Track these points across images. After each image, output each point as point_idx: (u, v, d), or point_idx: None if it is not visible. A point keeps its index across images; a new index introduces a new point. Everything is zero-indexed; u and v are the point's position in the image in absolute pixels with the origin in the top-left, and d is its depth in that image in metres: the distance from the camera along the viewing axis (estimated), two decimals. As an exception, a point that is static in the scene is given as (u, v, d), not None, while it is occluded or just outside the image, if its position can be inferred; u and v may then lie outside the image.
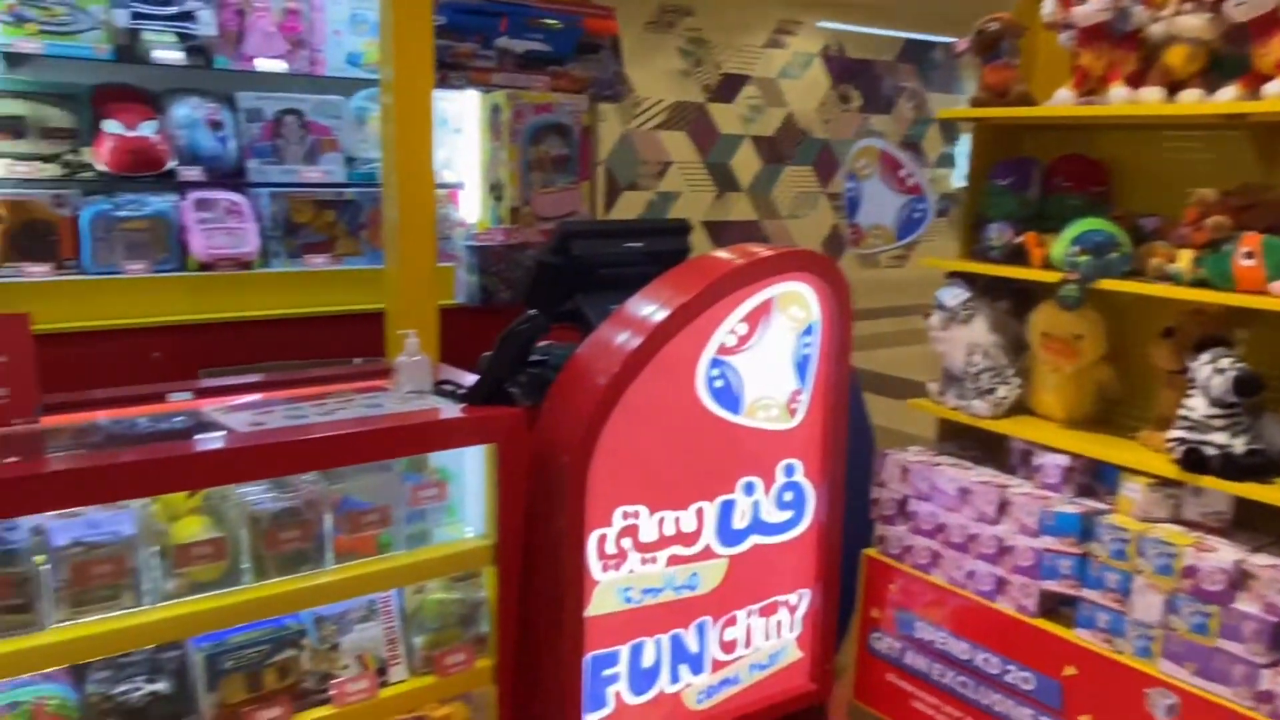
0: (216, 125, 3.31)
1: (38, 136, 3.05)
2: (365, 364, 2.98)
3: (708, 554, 2.23)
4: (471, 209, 3.75)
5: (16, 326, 1.87)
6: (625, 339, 1.97)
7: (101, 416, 1.94)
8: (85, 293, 3.00)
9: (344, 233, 3.53)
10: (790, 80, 10.07)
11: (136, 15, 3.14)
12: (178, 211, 3.20)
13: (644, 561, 2.12)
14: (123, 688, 1.67)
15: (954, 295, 2.66)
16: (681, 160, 9.51)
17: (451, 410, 1.98)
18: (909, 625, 2.64)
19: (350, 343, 3.29)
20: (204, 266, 3.20)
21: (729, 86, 9.70)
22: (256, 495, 1.80)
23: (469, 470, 2.08)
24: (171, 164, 3.17)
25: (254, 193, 3.39)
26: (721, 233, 9.63)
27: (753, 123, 10.05)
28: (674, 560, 2.18)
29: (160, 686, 1.69)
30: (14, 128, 3.02)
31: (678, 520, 2.16)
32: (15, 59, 3.08)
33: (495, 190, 3.60)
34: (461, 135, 3.71)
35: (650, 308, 2.02)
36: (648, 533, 2.11)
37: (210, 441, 1.73)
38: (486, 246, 3.52)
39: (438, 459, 2.06)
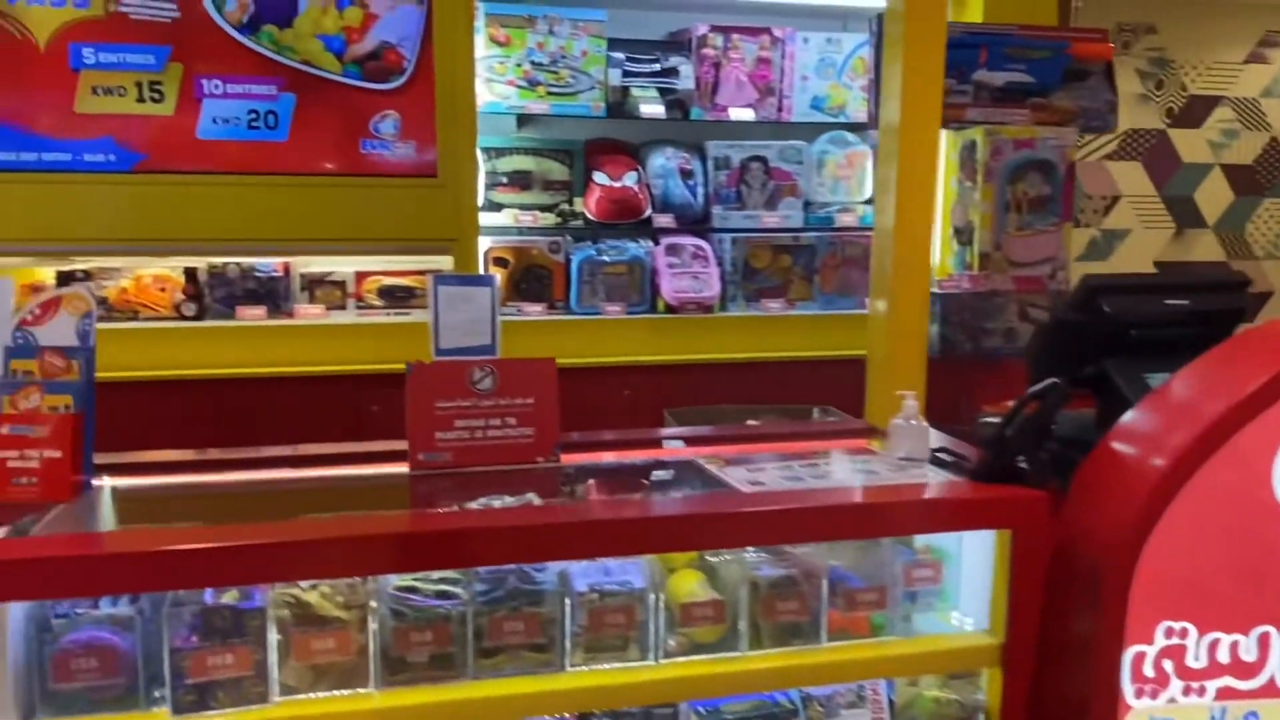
0: (687, 174, 3.43)
1: (540, 189, 3.37)
2: (832, 418, 2.88)
3: (1271, 691, 1.78)
4: (931, 254, 3.52)
5: (543, 370, 1.99)
6: (1185, 420, 1.63)
7: (607, 458, 2.01)
8: (571, 331, 3.24)
9: (798, 277, 3.49)
10: (1276, 99, 8.56)
11: (626, 74, 3.36)
12: (651, 257, 3.35)
13: (1187, 691, 1.74)
14: (620, 741, 1.67)
15: None
16: (1133, 194, 8.46)
17: (961, 487, 1.77)
18: None
19: (801, 389, 3.23)
20: (670, 309, 3.32)
21: (1196, 109, 8.47)
22: (753, 559, 1.73)
23: (967, 552, 1.85)
24: (647, 212, 3.34)
25: (716, 238, 3.47)
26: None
27: (1225, 149, 8.68)
28: (1225, 694, 1.76)
29: (655, 745, 1.68)
30: (522, 181, 3.36)
31: (1234, 645, 1.74)
32: (524, 119, 3.45)
33: (961, 234, 3.34)
34: (924, 176, 3.51)
35: (1217, 383, 1.65)
36: (1195, 657, 1.72)
37: (733, 501, 1.68)
38: (949, 294, 3.27)
39: (933, 536, 1.86)
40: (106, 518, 1.70)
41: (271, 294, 3.05)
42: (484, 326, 3.11)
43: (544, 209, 3.37)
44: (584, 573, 1.68)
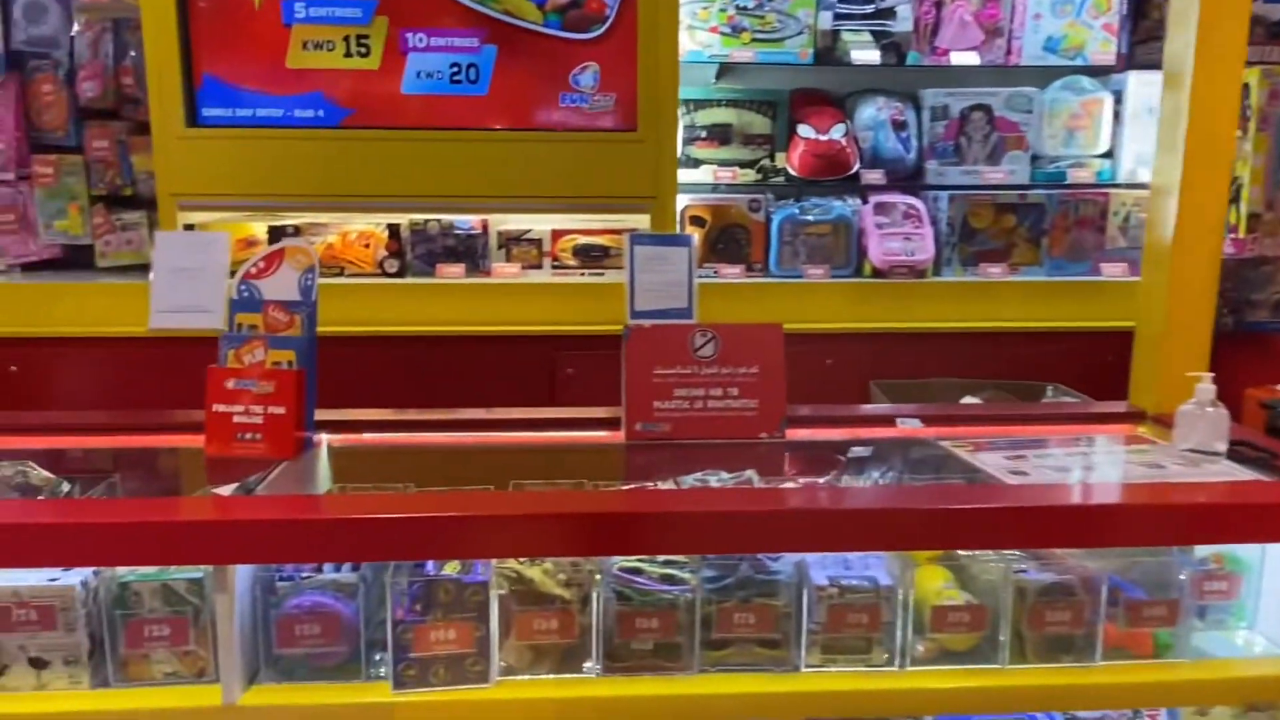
0: (900, 126, 3.16)
1: (740, 143, 3.18)
2: (1069, 398, 2.58)
3: None
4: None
5: (769, 337, 1.83)
6: None
7: (834, 434, 1.83)
8: (770, 295, 3.05)
9: (1023, 239, 3.16)
10: None
11: (838, 16, 3.10)
12: (858, 216, 3.11)
13: None
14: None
15: None
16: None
17: None
18: None
19: (1023, 365, 2.92)
20: (878, 273, 3.07)
21: None
22: (1017, 561, 1.52)
23: (1271, 561, 1.57)
24: (855, 167, 3.10)
25: (931, 196, 3.19)
26: None
27: None
28: None
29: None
30: (721, 135, 3.18)
31: None
32: (724, 69, 3.25)
33: (1222, 191, 2.92)
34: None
35: None
36: None
37: (1003, 495, 1.47)
38: (1206, 260, 2.87)
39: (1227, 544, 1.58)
40: (326, 477, 1.67)
41: (470, 252, 3.01)
42: (680, 289, 2.96)
43: (744, 165, 3.18)
44: (822, 564, 1.51)
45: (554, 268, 3.08)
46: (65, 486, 1.55)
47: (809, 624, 1.47)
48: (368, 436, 1.85)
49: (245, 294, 1.70)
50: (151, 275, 2.74)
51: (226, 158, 2.84)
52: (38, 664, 1.37)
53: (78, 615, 1.35)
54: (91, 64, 2.99)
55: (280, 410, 1.61)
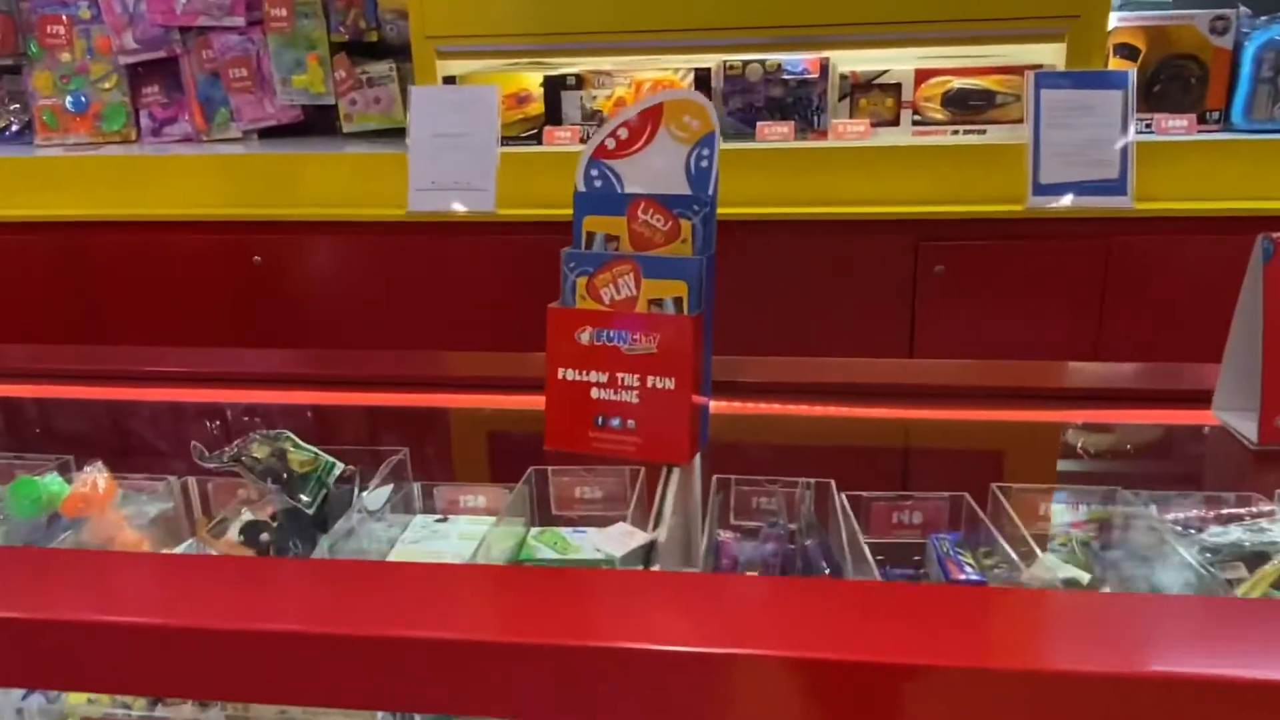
0: None
1: (1199, -68, 2.19)
2: None
3: None
4: None
5: None
6: None
7: None
8: (1231, 158, 2.12)
9: None
10: None
11: None
12: (1389, 36, 2.08)
13: None
14: None
15: None
16: None
17: None
18: None
19: None
20: None
21: None
22: None
23: None
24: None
25: None
26: None
27: None
28: None
29: None
30: (1167, -78, 2.19)
31: None
32: None
33: None
34: None
35: None
36: None
37: None
38: None
39: None
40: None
41: (801, 104, 2.24)
42: (1108, 152, 2.10)
43: (1197, -34, 2.20)
44: None
45: (916, 123, 2.26)
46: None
47: None
48: (759, 404, 1.19)
49: (598, 182, 1.03)
50: (408, 142, 2.19)
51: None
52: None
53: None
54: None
55: (668, 383, 0.96)
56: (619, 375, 0.98)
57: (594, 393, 0.99)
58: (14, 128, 2.71)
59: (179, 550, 1.20)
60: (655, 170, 1.01)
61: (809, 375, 1.27)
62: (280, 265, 2.35)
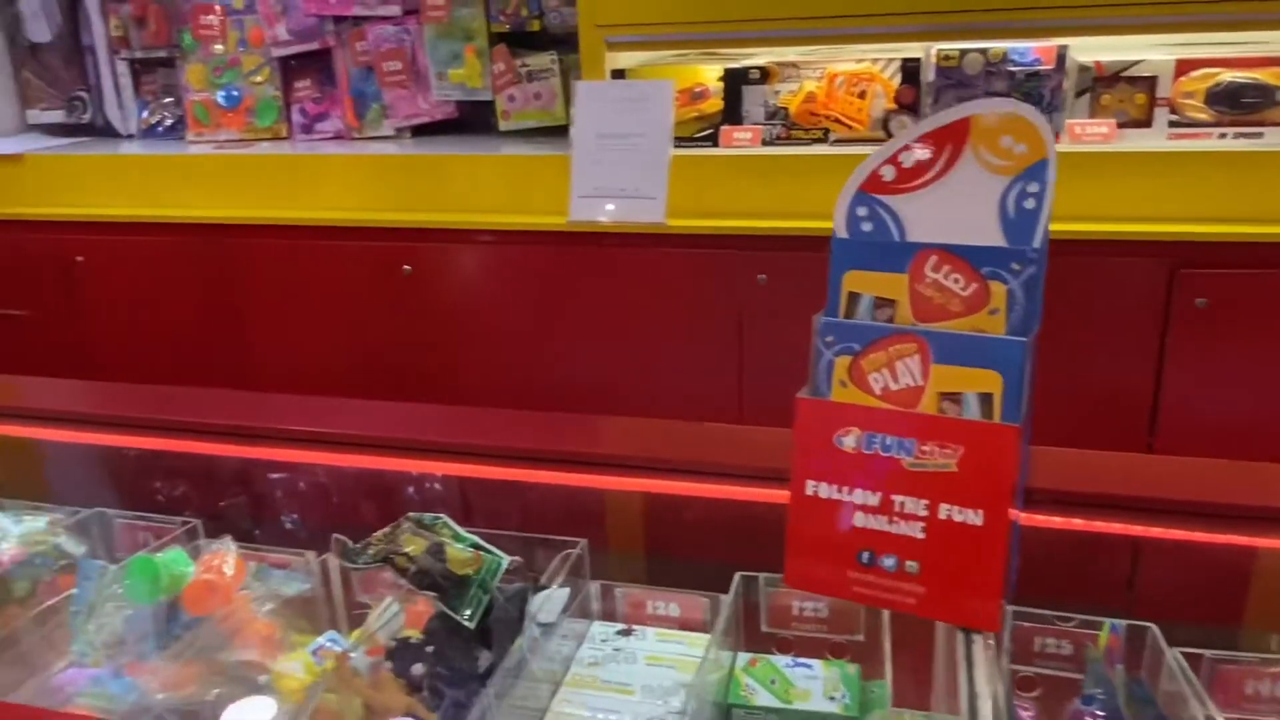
0: None
1: None
2: None
3: None
4: None
5: None
6: None
7: None
8: None
9: None
10: None
11: None
12: None
13: None
14: None
15: None
16: None
17: None
18: None
19: None
20: None
21: None
22: None
23: None
24: None
25: None
26: None
27: None
28: None
29: None
30: None
31: None
32: None
33: None
34: None
35: None
36: None
37: None
38: None
39: None
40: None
41: (1029, 100, 1.88)
42: None
43: None
44: None
45: (1173, 124, 1.88)
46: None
47: None
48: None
49: (867, 225, 0.75)
50: (572, 144, 1.96)
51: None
52: None
53: None
54: None
55: (974, 518, 0.68)
56: (897, 499, 0.70)
57: (859, 519, 0.72)
58: (167, 122, 2.63)
59: (318, 643, 1.00)
60: (955, 211, 0.73)
61: (1119, 482, 0.96)
62: (430, 275, 2.16)
